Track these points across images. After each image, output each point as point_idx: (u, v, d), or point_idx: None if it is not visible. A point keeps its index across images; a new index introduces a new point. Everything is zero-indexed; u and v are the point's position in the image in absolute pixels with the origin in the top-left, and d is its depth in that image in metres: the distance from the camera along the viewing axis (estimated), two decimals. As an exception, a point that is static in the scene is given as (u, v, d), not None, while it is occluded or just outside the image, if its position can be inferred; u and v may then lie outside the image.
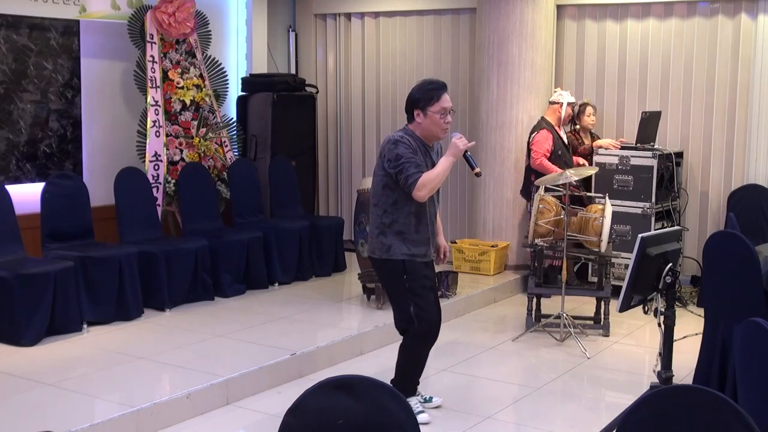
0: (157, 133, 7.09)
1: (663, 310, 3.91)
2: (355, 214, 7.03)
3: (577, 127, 7.45)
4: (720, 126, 7.36)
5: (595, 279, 6.84)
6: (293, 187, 7.82)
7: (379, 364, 5.39)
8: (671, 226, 6.56)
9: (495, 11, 7.52)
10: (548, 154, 6.92)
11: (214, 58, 7.69)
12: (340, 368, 5.38)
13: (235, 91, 8.20)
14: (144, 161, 7.03)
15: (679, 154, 7.39)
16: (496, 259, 7.50)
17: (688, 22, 7.42)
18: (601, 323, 6.28)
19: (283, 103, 8.01)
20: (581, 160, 7.27)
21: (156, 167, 7.05)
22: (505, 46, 7.51)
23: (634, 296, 3.88)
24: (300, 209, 7.81)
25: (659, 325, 3.92)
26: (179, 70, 7.33)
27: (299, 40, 9.26)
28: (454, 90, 7.93)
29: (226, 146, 7.61)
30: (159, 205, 6.96)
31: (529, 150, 7.05)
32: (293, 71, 9.12)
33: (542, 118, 7.14)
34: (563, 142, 7.12)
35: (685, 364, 4.97)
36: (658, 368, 3.96)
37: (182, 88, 7.30)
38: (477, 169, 4.40)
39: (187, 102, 7.33)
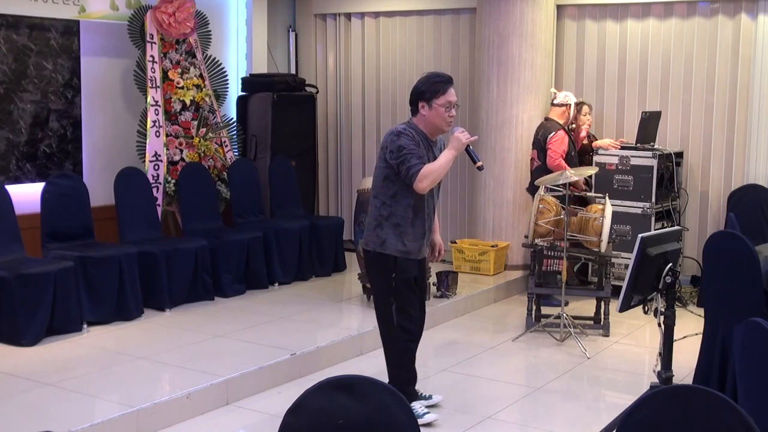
0: (157, 133, 7.09)
1: (663, 310, 3.91)
2: (355, 214, 7.02)
3: (573, 126, 7.44)
4: (720, 126, 7.36)
5: (595, 279, 6.84)
6: (293, 187, 7.82)
7: (379, 364, 5.36)
8: (671, 226, 6.56)
9: (495, 11, 7.52)
10: (564, 155, 6.92)
11: (214, 58, 7.69)
12: (340, 368, 5.38)
13: (235, 91, 8.19)
14: (144, 161, 7.03)
15: (679, 154, 7.39)
16: (496, 259, 7.50)
17: (688, 22, 7.42)
18: (601, 323, 6.28)
19: (283, 103, 8.01)
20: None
21: (156, 167, 7.05)
22: (505, 46, 7.51)
23: (634, 296, 3.87)
24: (300, 209, 7.81)
25: (659, 325, 3.92)
26: (179, 70, 7.33)
27: (299, 40, 9.25)
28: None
29: (226, 146, 7.61)
30: (159, 205, 6.96)
31: (544, 149, 7.01)
32: (293, 71, 9.11)
33: (551, 119, 7.08)
34: (573, 144, 7.14)
35: (685, 364, 4.97)
36: (658, 368, 3.95)
37: (182, 88, 7.30)
38: (479, 163, 4.41)
39: (187, 102, 7.33)
